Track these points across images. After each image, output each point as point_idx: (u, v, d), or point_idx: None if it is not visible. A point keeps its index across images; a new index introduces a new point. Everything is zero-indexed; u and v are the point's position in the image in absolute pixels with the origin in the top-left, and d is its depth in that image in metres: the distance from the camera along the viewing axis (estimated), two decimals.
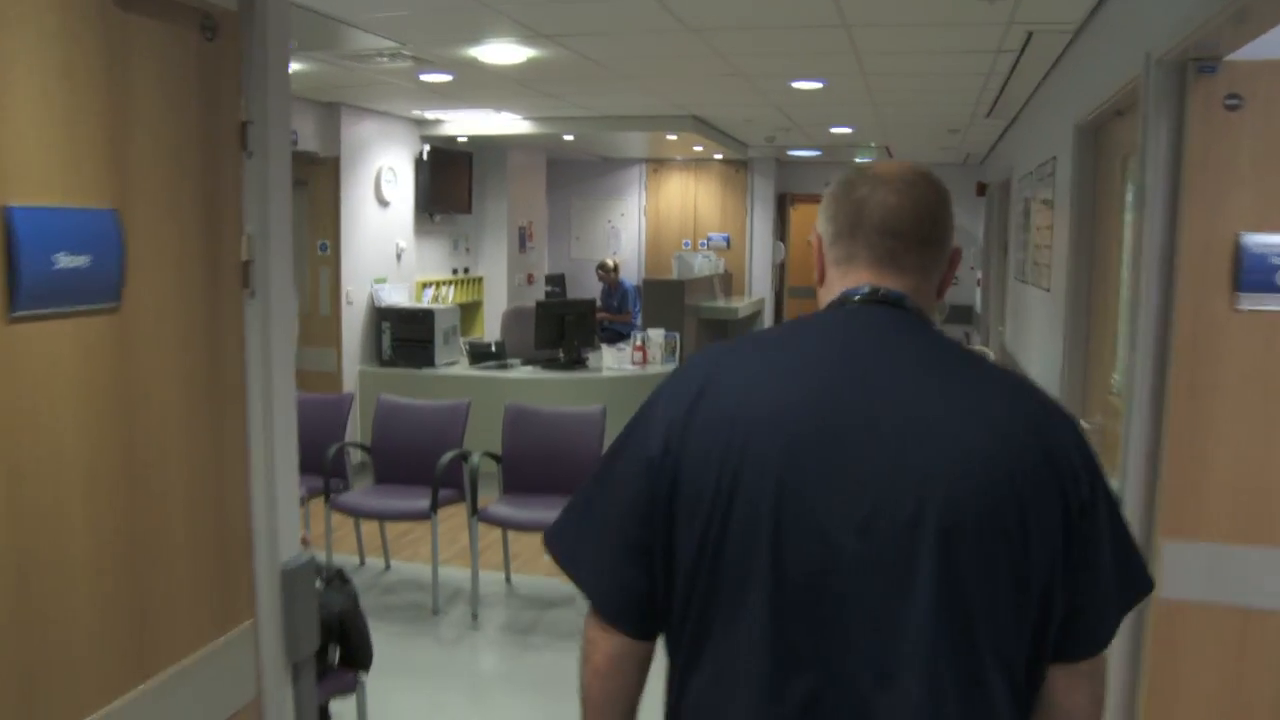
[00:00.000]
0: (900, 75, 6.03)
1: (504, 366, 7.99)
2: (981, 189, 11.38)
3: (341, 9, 4.51)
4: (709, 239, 12.33)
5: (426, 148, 8.85)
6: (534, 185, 10.71)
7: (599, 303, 11.12)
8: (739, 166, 12.20)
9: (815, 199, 14.52)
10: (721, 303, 9.38)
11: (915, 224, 1.40)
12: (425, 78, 6.30)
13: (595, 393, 7.70)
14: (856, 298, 1.40)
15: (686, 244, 12.41)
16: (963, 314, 12.08)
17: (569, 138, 9.07)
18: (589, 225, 12.78)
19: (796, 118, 8.21)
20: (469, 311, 10.00)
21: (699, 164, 12.29)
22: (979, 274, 11.74)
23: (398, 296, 8.37)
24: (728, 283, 10.24)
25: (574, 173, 12.72)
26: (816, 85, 6.42)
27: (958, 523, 1.25)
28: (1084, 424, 3.86)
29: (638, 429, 1.41)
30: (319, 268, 7.74)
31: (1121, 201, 3.95)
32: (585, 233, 12.79)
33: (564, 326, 7.95)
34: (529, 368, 7.98)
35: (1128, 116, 3.92)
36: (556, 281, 12.41)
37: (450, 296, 9.59)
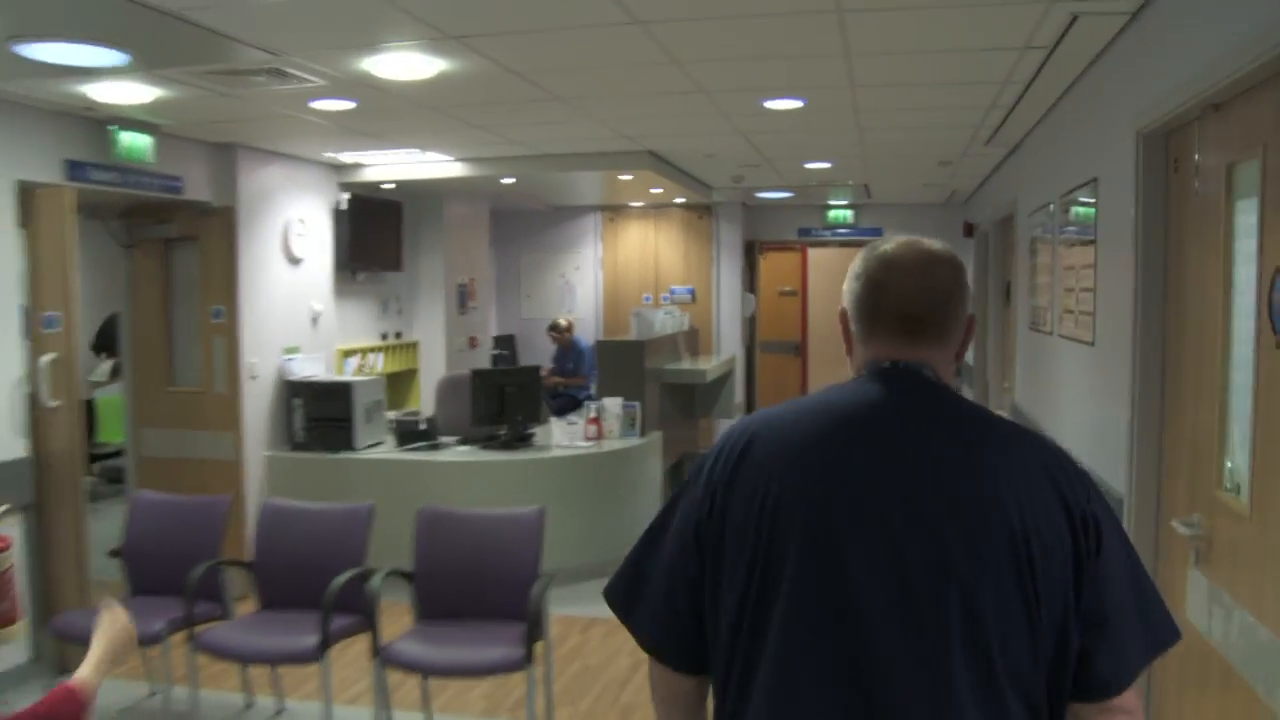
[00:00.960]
0: (899, 87, 4.98)
1: (436, 447, 6.81)
2: (969, 229, 10.39)
3: (192, 7, 3.40)
4: (672, 292, 11.25)
5: (345, 196, 7.72)
6: (475, 238, 9.60)
7: (553, 365, 10.00)
8: (702, 212, 11.17)
9: (787, 246, 13.50)
10: (687, 364, 8.24)
11: (930, 308, 1.55)
12: (320, 104, 5.18)
13: (542, 477, 6.53)
14: (882, 367, 1.55)
15: (647, 298, 11.33)
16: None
17: (509, 181, 7.97)
18: (540, 281, 11.67)
19: (767, 150, 7.17)
20: (402, 381, 8.83)
21: (659, 211, 11.25)
22: None
23: (313, 368, 7.19)
24: (694, 340, 9.14)
25: (522, 224, 11.64)
26: (794, 104, 5.35)
27: (974, 568, 1.36)
28: (1178, 525, 3.10)
29: (689, 489, 1.58)
30: (212, 337, 6.55)
31: (1226, 225, 2.88)
32: (537, 290, 11.68)
33: (504, 398, 6.79)
34: (466, 448, 6.81)
35: (1233, 109, 2.87)
36: (505, 344, 11.26)
37: (379, 365, 8.42)
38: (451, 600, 4.34)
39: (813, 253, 13.25)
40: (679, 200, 10.08)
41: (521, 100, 5.12)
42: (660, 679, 1.63)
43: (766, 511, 1.45)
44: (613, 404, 7.04)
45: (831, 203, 11.34)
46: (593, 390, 7.87)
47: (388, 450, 6.81)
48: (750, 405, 11.73)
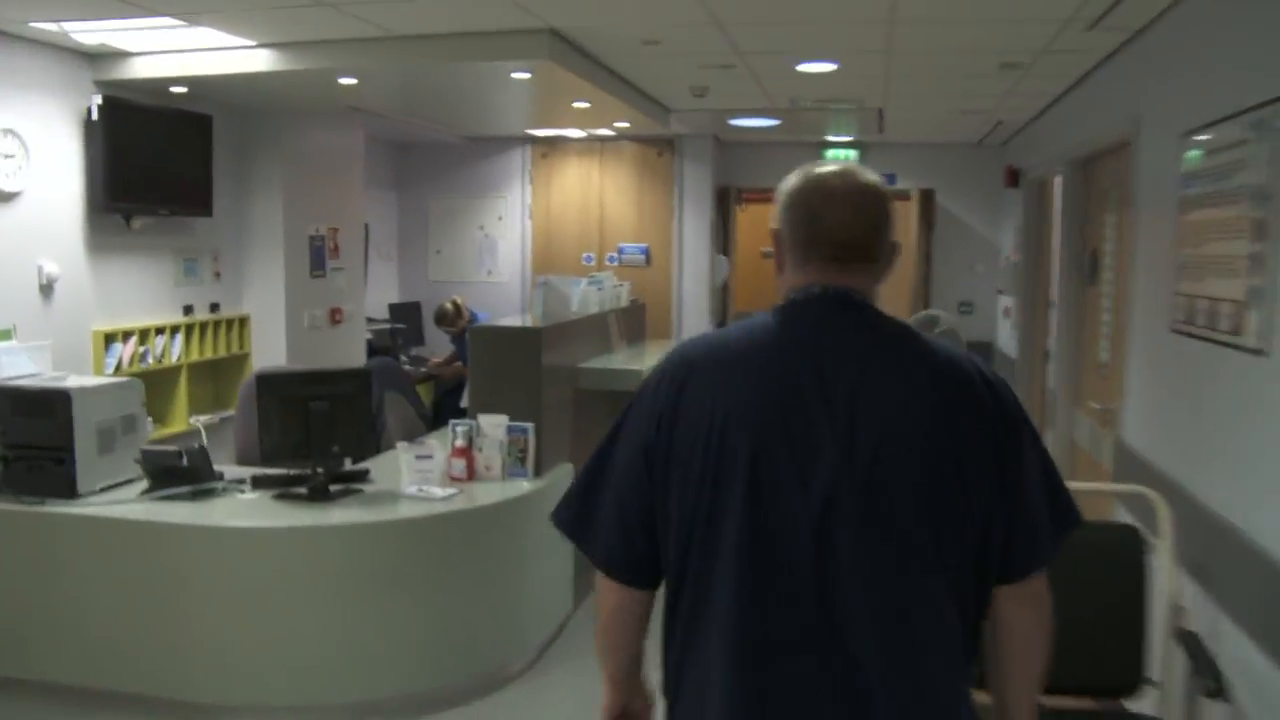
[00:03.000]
0: None
1: (205, 494, 4.25)
2: (1012, 177, 7.82)
3: None
4: (620, 252, 8.67)
5: (98, 100, 5.10)
6: (339, 172, 6.97)
7: (455, 351, 7.44)
8: (662, 148, 8.56)
9: (771, 195, 10.77)
10: (621, 358, 5.63)
11: (863, 237, 1.65)
12: None
13: (366, 552, 4.01)
14: (813, 292, 1.64)
15: (588, 258, 8.74)
16: (980, 352, 8.50)
17: (348, 81, 5.33)
18: (453, 234, 9.06)
19: (743, 39, 4.59)
20: (226, 375, 6.25)
21: (605, 146, 8.63)
22: (1006, 301, 8.17)
23: (30, 364, 4.61)
24: (638, 321, 6.56)
25: (428, 160, 9.01)
26: None
27: (907, 471, 1.52)
28: None
29: (631, 417, 1.68)
30: None
31: None
32: (449, 244, 9.07)
33: (311, 421, 4.23)
34: (255, 495, 4.26)
35: None
36: (406, 315, 8.67)
37: (177, 353, 5.83)
38: None
39: None
40: (625, 127, 7.42)
41: None
42: (610, 591, 1.72)
43: (715, 432, 1.56)
44: (493, 426, 4.50)
45: (831, 138, 8.73)
46: (464, 401, 5.31)
47: (130, 499, 4.25)
48: None
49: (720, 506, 1.55)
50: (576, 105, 5.84)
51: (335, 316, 6.82)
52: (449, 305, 7.53)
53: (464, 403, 5.44)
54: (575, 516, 1.74)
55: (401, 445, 4.51)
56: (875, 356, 1.58)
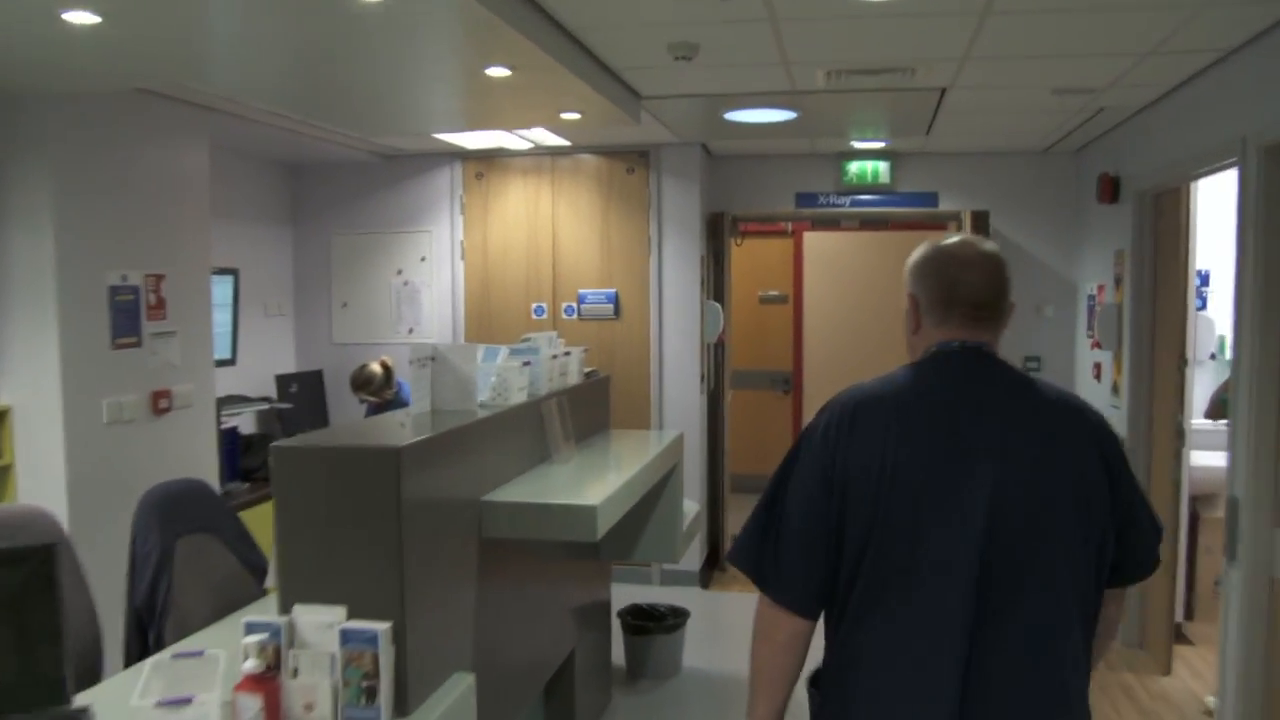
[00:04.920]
0: None
1: None
2: (1110, 190, 5.75)
3: None
4: (580, 300, 6.56)
5: None
6: (167, 194, 4.84)
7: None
8: (634, 162, 6.49)
9: (774, 226, 8.45)
10: (565, 480, 3.36)
11: (993, 299, 1.93)
12: None
13: None
14: (954, 347, 1.91)
15: (540, 310, 6.63)
16: None
17: (80, 18, 3.20)
18: (363, 280, 6.93)
19: None
20: None
21: (559, 160, 6.55)
22: (1100, 357, 6.10)
23: None
24: (599, 402, 4.40)
25: (330, 183, 6.91)
26: None
27: (1056, 505, 1.79)
28: None
29: (803, 457, 1.90)
30: None
31: None
32: (359, 294, 6.93)
33: None
34: None
35: None
36: (305, 390, 6.53)
37: None
38: None
39: (812, 237, 8.59)
40: (576, 120, 5.31)
41: None
42: (780, 624, 1.90)
43: (886, 475, 1.77)
44: (316, 630, 2.37)
45: (856, 144, 6.67)
46: (269, 580, 3.14)
47: None
48: (715, 512, 7.03)
49: (891, 533, 1.77)
50: (493, 72, 3.73)
51: (159, 403, 4.66)
52: (377, 368, 5.70)
53: (269, 582, 3.29)
54: (759, 558, 1.92)
55: (155, 663, 2.39)
56: (1012, 401, 1.86)
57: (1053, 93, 4.77)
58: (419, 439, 2.61)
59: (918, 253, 1.99)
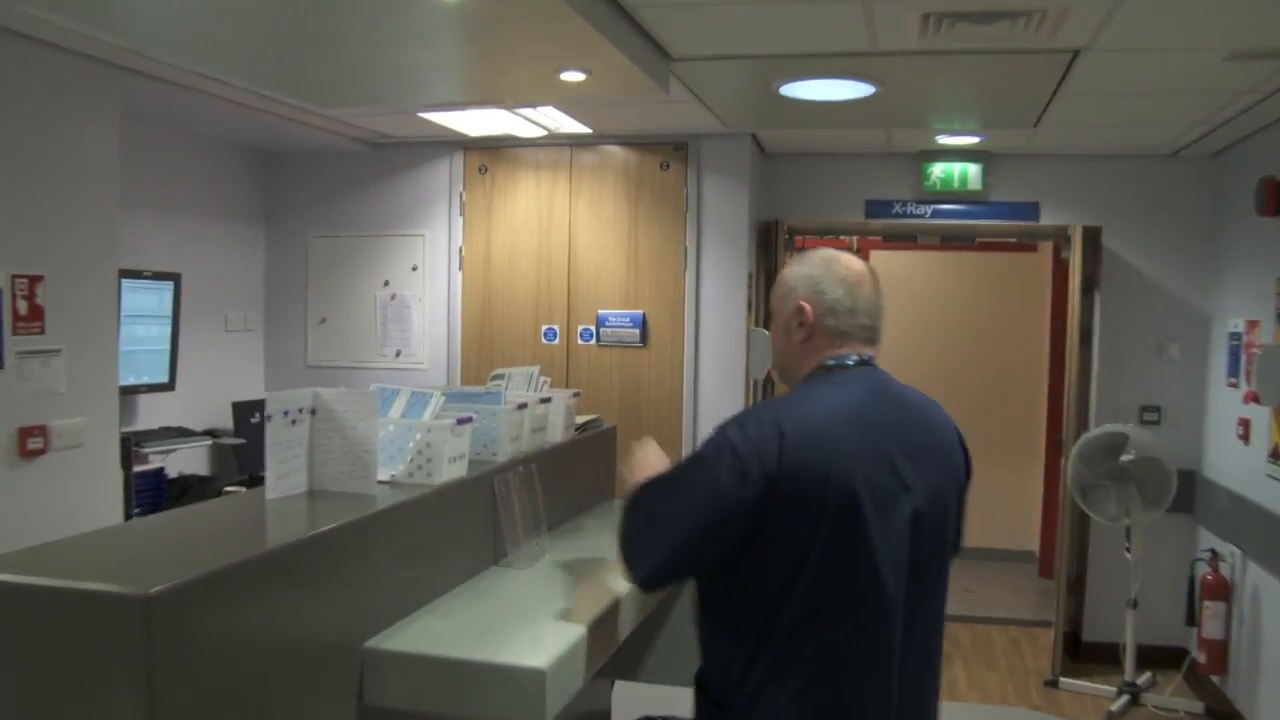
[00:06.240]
0: None
1: None
2: (1276, 197, 4.48)
3: None
4: (601, 323, 5.39)
5: None
6: (42, 166, 3.76)
7: None
8: (667, 156, 5.32)
9: (835, 234, 6.08)
10: (514, 585, 2.27)
11: (880, 315, 1.99)
12: None
13: None
14: (850, 363, 1.94)
15: (551, 334, 5.47)
16: (1183, 487, 5.15)
17: None
18: (345, 292, 5.82)
19: None
20: None
21: (579, 150, 5.41)
22: (1248, 413, 4.81)
23: None
24: (598, 458, 3.21)
25: (309, 176, 5.82)
26: None
27: (951, 498, 1.96)
28: None
29: (720, 476, 1.78)
30: None
31: None
32: (338, 308, 5.82)
33: None
34: None
35: None
36: (258, 423, 5.44)
37: None
38: None
39: (881, 257, 7.38)
40: (581, 84, 4.13)
41: None
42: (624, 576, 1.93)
43: (828, 489, 1.76)
44: None
45: (943, 140, 5.45)
46: None
47: None
48: None
49: (836, 546, 1.77)
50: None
51: (27, 443, 3.56)
52: None
53: None
54: (637, 539, 1.91)
55: None
56: (913, 413, 1.95)
57: (1227, 58, 3.52)
58: (211, 570, 1.45)
59: (809, 261, 2.01)
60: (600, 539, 2.75)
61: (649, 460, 2.16)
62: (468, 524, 2.31)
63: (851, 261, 1.99)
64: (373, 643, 1.86)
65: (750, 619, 1.82)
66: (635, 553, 1.88)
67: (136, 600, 1.33)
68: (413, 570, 2.06)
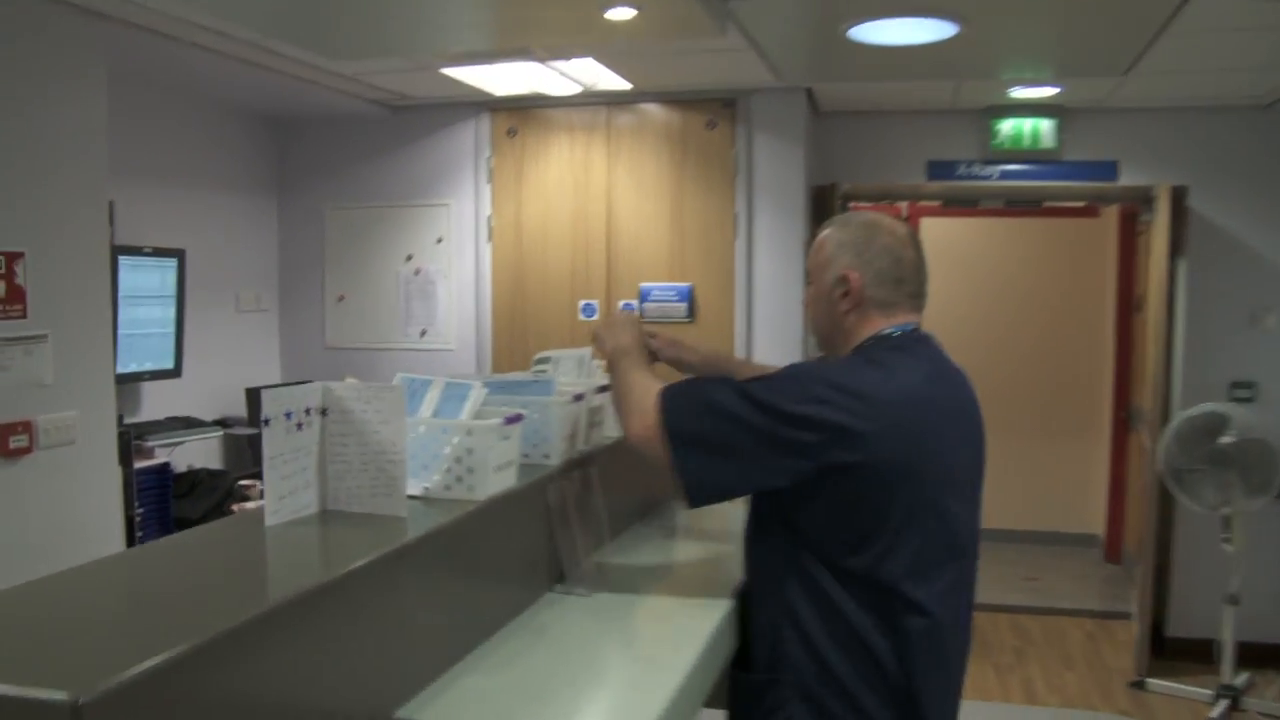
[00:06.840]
0: None
1: None
2: None
3: None
4: (643, 297, 4.95)
5: None
6: (21, 130, 3.33)
7: None
8: (714, 113, 4.86)
9: (892, 199, 5.55)
10: (572, 615, 1.86)
11: (925, 280, 1.93)
12: None
13: None
14: (907, 331, 1.87)
15: (589, 309, 5.04)
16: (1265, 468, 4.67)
17: None
18: (365, 267, 5.39)
19: None
20: None
21: (615, 111, 4.95)
22: None
23: None
24: (619, 474, 2.85)
25: (326, 143, 5.39)
26: None
27: (983, 466, 1.94)
28: None
29: (811, 406, 1.70)
30: None
31: None
32: (357, 285, 5.40)
33: None
34: None
35: None
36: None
37: None
38: None
39: (932, 224, 6.90)
40: (630, 21, 3.67)
41: None
42: (654, 448, 1.80)
43: (915, 434, 1.73)
44: None
45: (1016, 94, 4.96)
46: None
47: None
48: None
49: (925, 489, 1.74)
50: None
51: (10, 442, 3.15)
52: None
53: None
54: (698, 459, 1.77)
55: None
56: (966, 386, 1.92)
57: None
58: (172, 655, 1.02)
59: (850, 226, 1.93)
60: (665, 568, 2.32)
61: (629, 333, 2.14)
62: (519, 544, 1.89)
63: (895, 226, 1.93)
64: (405, 712, 1.44)
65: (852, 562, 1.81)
66: (689, 467, 1.77)
67: (63, 708, 0.91)
68: (454, 612, 1.63)
